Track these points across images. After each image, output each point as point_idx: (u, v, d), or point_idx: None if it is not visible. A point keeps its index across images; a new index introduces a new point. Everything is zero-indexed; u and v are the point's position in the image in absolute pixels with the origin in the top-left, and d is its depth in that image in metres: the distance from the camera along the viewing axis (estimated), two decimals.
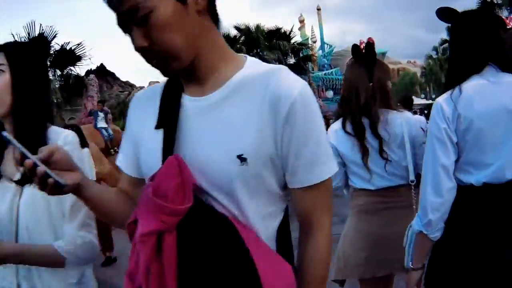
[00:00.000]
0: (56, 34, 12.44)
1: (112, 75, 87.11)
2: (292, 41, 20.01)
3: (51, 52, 12.76)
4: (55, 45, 12.78)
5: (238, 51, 12.33)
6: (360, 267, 2.08)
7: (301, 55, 20.53)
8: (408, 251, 1.66)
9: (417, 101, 18.79)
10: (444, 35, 40.20)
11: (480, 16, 1.66)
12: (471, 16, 1.67)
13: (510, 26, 1.96)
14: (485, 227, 1.51)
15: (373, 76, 2.07)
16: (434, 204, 1.54)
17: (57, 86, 13.35)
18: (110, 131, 9.35)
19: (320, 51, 25.46)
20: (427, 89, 49.21)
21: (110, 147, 8.80)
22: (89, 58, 13.13)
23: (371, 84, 2.06)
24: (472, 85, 1.55)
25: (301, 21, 25.19)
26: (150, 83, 61.21)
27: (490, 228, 1.51)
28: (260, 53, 16.11)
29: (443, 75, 34.96)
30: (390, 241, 1.91)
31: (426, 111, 13.63)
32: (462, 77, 1.58)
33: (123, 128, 6.07)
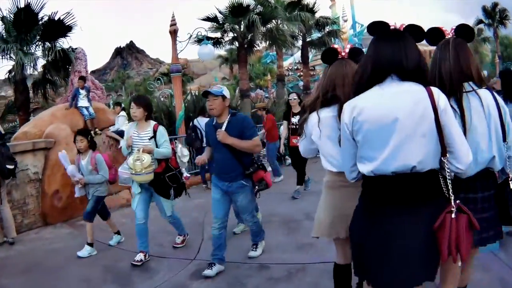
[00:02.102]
0: (44, 4, 11.35)
1: (142, 52, 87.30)
2: (317, 15, 18.51)
3: (40, 23, 11.69)
4: (44, 16, 11.93)
5: (252, 22, 10.57)
6: (327, 229, 2.73)
7: (326, 29, 19.07)
8: None
9: None
10: (480, 15, 38.26)
11: (389, 32, 2.02)
12: (384, 32, 2.03)
13: (449, 36, 2.39)
14: (369, 205, 2.08)
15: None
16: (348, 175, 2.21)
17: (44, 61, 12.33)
18: (91, 110, 8.89)
19: (351, 31, 24.85)
20: None
21: (90, 127, 8.33)
22: (80, 28, 11.97)
23: None
24: (368, 95, 1.97)
25: (332, 0, 24.52)
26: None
27: (372, 207, 2.06)
28: (280, 24, 14.50)
29: (477, 58, 34.22)
30: (349, 212, 2.27)
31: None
32: (366, 86, 1.99)
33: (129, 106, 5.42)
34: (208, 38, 14.10)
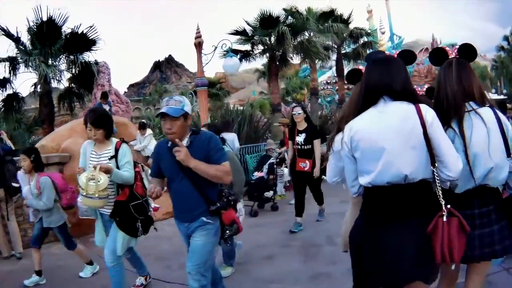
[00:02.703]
0: (66, 18, 11.49)
1: (181, 66, 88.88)
2: (352, 26, 18.03)
3: (62, 37, 11.81)
4: (67, 29, 12.17)
5: (281, 34, 10.19)
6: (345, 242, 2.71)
7: (361, 41, 18.55)
8: None
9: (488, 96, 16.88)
10: None
11: (378, 59, 2.30)
12: (374, 59, 2.32)
13: (452, 56, 2.48)
14: (369, 214, 2.25)
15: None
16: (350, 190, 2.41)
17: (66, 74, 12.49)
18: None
19: (389, 43, 24.33)
20: (498, 84, 45.66)
21: None
22: (103, 42, 12.07)
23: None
24: (363, 116, 2.21)
25: (369, 12, 24.18)
26: (216, 74, 61.26)
27: (371, 215, 2.24)
28: (312, 36, 14.08)
29: None
30: None
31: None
32: (362, 108, 2.23)
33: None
34: (236, 51, 13.88)
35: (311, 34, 14.62)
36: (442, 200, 2.06)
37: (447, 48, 2.57)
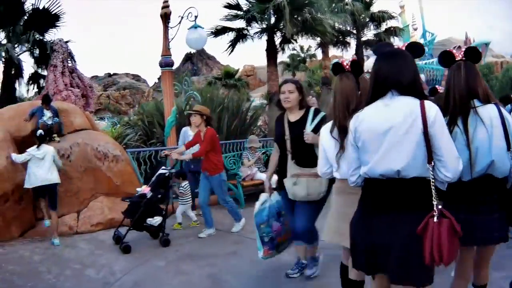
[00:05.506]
0: None
1: (213, 58, 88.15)
2: (375, 10, 15.51)
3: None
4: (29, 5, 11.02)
5: (279, 8, 7.85)
6: (330, 233, 3.01)
7: (384, 26, 16.03)
8: None
9: None
10: None
11: (387, 52, 2.31)
12: (383, 52, 2.33)
13: (458, 58, 2.63)
14: (365, 205, 2.29)
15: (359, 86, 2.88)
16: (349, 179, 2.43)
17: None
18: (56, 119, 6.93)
19: (422, 40, 23.06)
20: None
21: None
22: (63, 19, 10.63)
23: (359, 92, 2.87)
24: (370, 107, 2.24)
25: (401, 7, 22.70)
26: (244, 66, 59.67)
27: (366, 207, 2.27)
28: (319, 14, 11.64)
29: None
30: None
31: None
32: (371, 100, 2.25)
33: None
34: (229, 29, 11.71)
35: (318, 12, 12.08)
36: (435, 200, 2.05)
37: (454, 51, 2.68)
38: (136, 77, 63.05)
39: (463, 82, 2.55)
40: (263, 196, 3.87)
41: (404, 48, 2.34)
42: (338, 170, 2.88)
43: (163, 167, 5.85)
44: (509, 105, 7.28)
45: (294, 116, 3.81)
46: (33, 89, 12.52)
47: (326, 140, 2.94)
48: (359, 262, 2.29)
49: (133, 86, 56.03)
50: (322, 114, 3.70)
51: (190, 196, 6.41)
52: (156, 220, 5.51)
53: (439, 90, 3.89)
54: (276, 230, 3.77)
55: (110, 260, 4.90)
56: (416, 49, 2.34)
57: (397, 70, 2.18)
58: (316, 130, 3.46)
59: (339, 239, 2.86)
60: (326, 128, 2.97)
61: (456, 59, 2.65)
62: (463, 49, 2.66)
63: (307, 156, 3.61)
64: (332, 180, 3.21)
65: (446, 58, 2.70)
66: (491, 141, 2.45)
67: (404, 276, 2.07)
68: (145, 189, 5.57)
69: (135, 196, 5.63)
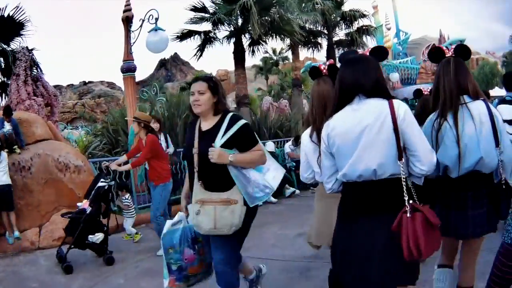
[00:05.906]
0: None
1: (187, 64, 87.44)
2: (346, 8, 15.54)
3: None
4: None
5: (245, 8, 7.73)
6: (313, 236, 3.05)
7: (356, 25, 16.06)
8: None
9: (499, 92, 16.95)
10: None
11: (349, 59, 2.37)
12: (346, 59, 2.39)
13: (448, 55, 2.68)
14: (344, 210, 2.31)
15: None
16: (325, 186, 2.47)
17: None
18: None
19: (395, 39, 23.61)
20: None
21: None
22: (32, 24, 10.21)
23: None
24: (340, 114, 2.27)
25: (374, 7, 23.03)
26: (218, 71, 59.30)
27: (345, 211, 2.30)
28: (288, 13, 11.49)
29: None
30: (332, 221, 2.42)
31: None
32: (338, 106, 2.29)
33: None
34: (196, 33, 11.53)
35: (287, 12, 11.96)
36: (405, 196, 2.09)
37: (444, 48, 2.74)
38: (111, 85, 61.93)
39: (452, 76, 2.59)
40: (178, 216, 3.18)
41: (368, 53, 2.41)
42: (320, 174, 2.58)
43: (102, 179, 5.38)
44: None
45: (207, 123, 2.99)
46: (1, 100, 12.11)
47: (306, 145, 2.84)
48: (337, 271, 2.36)
49: (108, 94, 55.02)
50: (240, 123, 2.89)
51: (134, 208, 6.33)
52: (97, 237, 5.16)
53: (424, 92, 3.89)
54: (187, 259, 3.04)
55: (68, 278, 4.71)
56: (379, 53, 2.40)
57: (360, 75, 2.23)
58: (230, 145, 2.83)
59: (327, 240, 2.73)
60: (306, 133, 2.86)
61: (446, 55, 2.68)
62: (453, 46, 2.70)
63: (216, 177, 2.84)
64: (252, 208, 2.87)
65: (436, 54, 2.74)
66: (480, 138, 2.49)
67: (386, 281, 2.09)
68: (84, 204, 5.18)
69: (74, 211, 5.26)
